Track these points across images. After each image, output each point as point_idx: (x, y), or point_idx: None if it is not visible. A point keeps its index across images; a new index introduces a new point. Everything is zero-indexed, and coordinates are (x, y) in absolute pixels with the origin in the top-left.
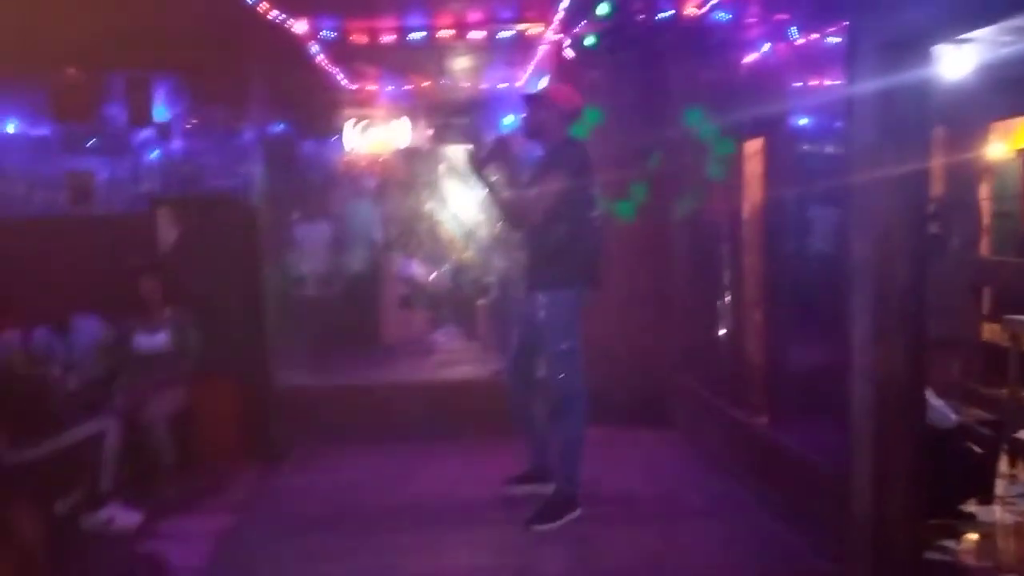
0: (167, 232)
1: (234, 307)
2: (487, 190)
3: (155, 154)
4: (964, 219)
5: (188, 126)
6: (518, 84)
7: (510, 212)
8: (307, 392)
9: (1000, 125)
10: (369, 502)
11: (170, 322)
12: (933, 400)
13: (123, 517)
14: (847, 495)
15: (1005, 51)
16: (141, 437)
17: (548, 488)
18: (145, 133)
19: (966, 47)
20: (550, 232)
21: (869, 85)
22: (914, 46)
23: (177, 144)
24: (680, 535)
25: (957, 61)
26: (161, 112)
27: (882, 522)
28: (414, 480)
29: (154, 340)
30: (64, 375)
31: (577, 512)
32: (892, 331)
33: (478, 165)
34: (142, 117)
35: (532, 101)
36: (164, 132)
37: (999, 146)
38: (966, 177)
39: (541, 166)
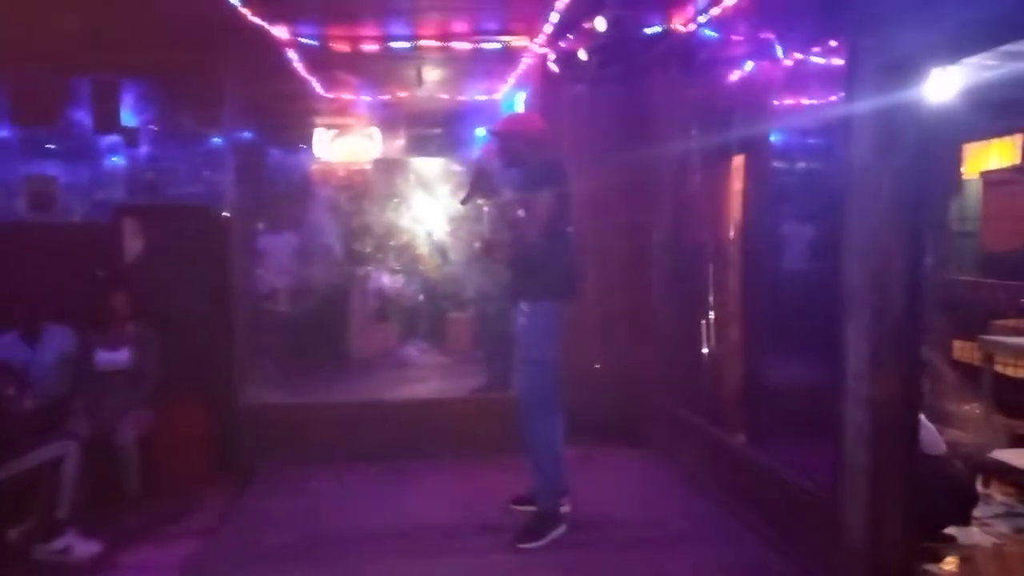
0: (132, 242)
1: (201, 322)
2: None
3: (121, 160)
4: (936, 239)
5: (156, 132)
6: (496, 96)
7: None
8: (276, 411)
9: (970, 147)
10: (341, 527)
11: (133, 338)
12: (927, 425)
13: (81, 547)
14: (839, 520)
15: (988, 75)
16: (107, 462)
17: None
18: (111, 139)
19: (951, 69)
20: (534, 246)
21: (868, 105)
22: (914, 68)
23: (144, 150)
24: (666, 560)
25: (941, 84)
26: (129, 117)
27: (876, 548)
28: (388, 503)
29: (116, 356)
30: (19, 394)
31: (562, 529)
32: (889, 356)
33: (464, 202)
34: (109, 122)
35: (499, 136)
36: (131, 138)
37: (967, 168)
38: (938, 198)
39: (524, 187)
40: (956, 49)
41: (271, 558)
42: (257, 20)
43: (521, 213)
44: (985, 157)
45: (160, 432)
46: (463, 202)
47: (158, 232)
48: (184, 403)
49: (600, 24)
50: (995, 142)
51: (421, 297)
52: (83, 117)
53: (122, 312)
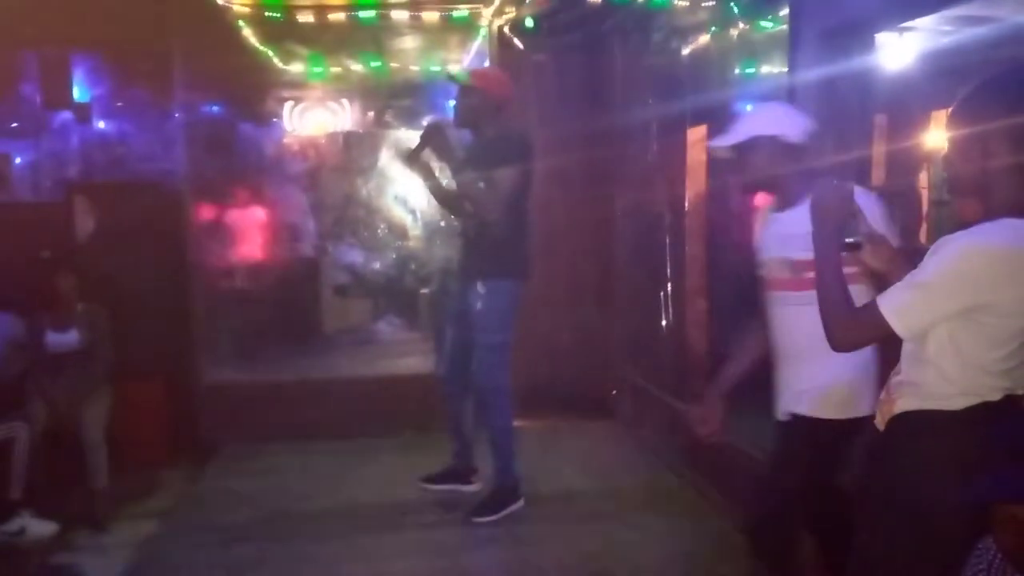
0: (84, 221)
1: (157, 301)
2: (429, 185)
3: (75, 137)
4: (905, 207)
5: (111, 108)
6: (461, 66)
7: (462, 206)
8: (237, 389)
9: (940, 114)
10: (301, 506)
11: (83, 318)
12: None
13: (36, 528)
14: None
15: (945, 41)
16: (71, 451)
17: (467, 488)
18: (63, 115)
19: (908, 36)
20: (492, 224)
21: (811, 73)
22: (857, 34)
23: (99, 127)
24: (620, 532)
25: (899, 50)
26: (81, 92)
27: None
28: (349, 481)
29: (65, 338)
30: None
31: (520, 503)
32: None
33: (412, 156)
34: (60, 98)
35: (461, 89)
36: (83, 114)
37: (938, 135)
38: (907, 165)
39: (482, 157)
40: (898, 13)
41: (228, 537)
42: None
43: (481, 186)
44: None
45: (119, 413)
46: (410, 157)
47: (112, 210)
48: (143, 383)
49: None
50: None
51: (390, 272)
52: (33, 92)
53: (69, 293)
